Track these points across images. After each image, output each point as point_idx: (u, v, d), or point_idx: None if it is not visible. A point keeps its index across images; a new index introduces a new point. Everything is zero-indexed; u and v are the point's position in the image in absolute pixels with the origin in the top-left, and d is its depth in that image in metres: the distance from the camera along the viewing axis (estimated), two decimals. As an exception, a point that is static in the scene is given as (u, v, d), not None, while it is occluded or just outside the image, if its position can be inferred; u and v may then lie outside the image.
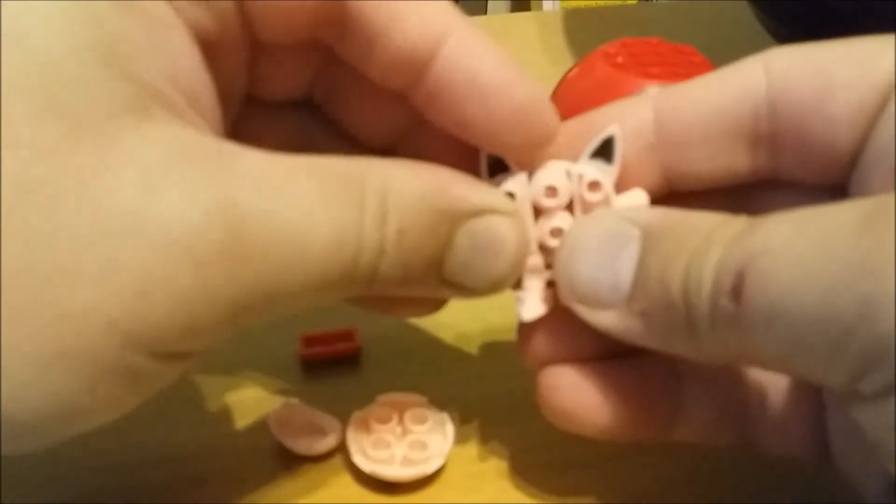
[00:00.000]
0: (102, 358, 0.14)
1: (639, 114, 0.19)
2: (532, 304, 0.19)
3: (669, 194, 0.19)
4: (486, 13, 1.40)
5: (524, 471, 0.22)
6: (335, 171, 0.16)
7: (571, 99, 0.30)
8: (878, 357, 0.13)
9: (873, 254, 0.13)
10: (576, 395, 0.19)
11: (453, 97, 0.18)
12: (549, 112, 0.18)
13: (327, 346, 0.25)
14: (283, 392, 0.23)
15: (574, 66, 0.31)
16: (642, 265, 0.17)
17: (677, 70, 0.28)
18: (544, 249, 0.19)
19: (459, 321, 0.22)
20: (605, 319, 0.17)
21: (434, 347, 0.23)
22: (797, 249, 0.14)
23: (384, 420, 0.22)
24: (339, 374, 0.25)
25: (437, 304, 0.20)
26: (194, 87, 0.16)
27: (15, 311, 0.13)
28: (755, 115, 0.18)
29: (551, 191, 0.18)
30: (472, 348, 0.25)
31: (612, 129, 0.18)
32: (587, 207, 0.19)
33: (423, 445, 0.21)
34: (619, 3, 0.53)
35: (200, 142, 0.15)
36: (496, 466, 0.22)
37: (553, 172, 0.18)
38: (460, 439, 0.22)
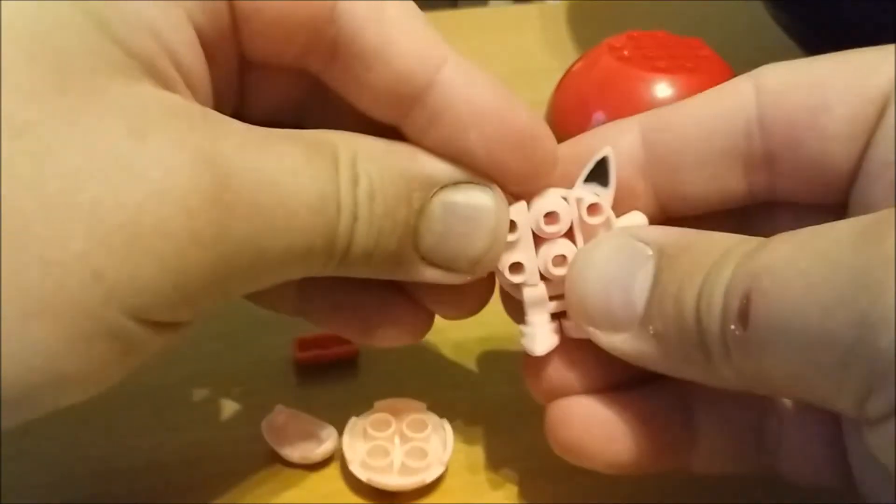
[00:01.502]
0: (85, 313, 0.13)
1: (627, 137, 0.18)
2: (543, 337, 0.19)
3: (664, 220, 0.19)
4: (486, 5, 1.39)
5: (525, 479, 0.21)
6: (310, 138, 0.16)
7: (576, 93, 0.29)
8: (880, 377, 0.13)
9: (871, 268, 0.13)
10: (586, 428, 0.18)
11: (451, 126, 0.17)
12: (550, 138, 0.18)
13: (324, 350, 0.24)
14: (277, 397, 0.23)
15: (578, 59, 0.30)
16: (657, 285, 0.16)
17: (684, 63, 0.28)
18: (547, 280, 0.19)
19: (460, 325, 0.22)
20: (619, 342, 0.17)
21: (433, 352, 0.23)
22: (798, 267, 0.14)
23: (382, 427, 0.21)
24: (335, 379, 0.24)
25: (424, 325, 0.20)
26: (190, 65, 0.16)
27: None
28: (747, 134, 0.18)
29: (551, 217, 0.18)
30: (473, 353, 0.25)
31: (604, 151, 0.18)
32: (588, 232, 0.18)
33: (422, 453, 0.21)
34: (623, -5, 0.52)
35: (186, 104, 0.15)
36: (497, 475, 0.22)
37: (551, 199, 0.18)
38: (460, 447, 0.22)
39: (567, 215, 0.18)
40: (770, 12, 0.37)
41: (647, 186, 0.18)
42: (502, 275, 0.18)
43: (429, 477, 0.20)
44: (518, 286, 0.18)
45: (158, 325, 0.15)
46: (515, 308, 0.19)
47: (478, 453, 0.22)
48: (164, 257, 0.14)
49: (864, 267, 0.13)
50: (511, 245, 0.18)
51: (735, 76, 0.29)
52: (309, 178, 0.15)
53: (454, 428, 0.22)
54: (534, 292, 0.18)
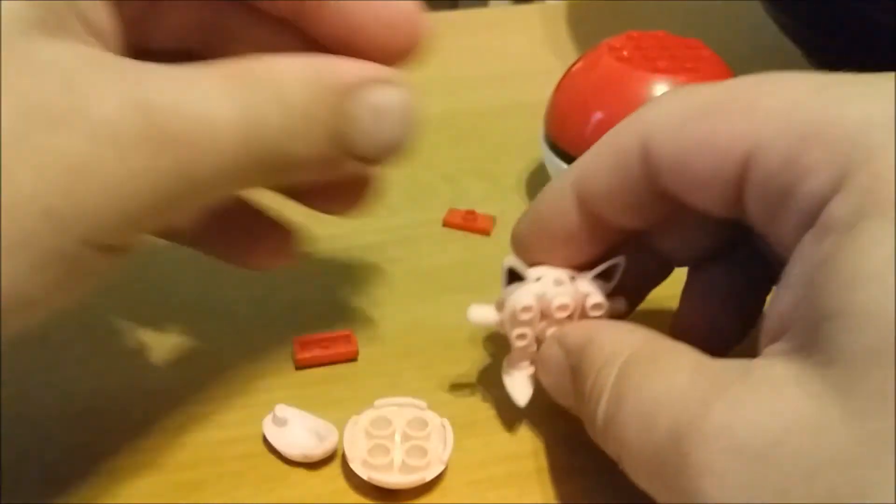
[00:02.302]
0: (40, 245, 0.15)
1: (567, 192, 0.21)
2: (523, 389, 0.22)
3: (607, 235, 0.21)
4: (486, 5, 1.39)
5: (526, 477, 0.21)
6: (226, 67, 0.18)
7: (575, 93, 0.29)
8: None
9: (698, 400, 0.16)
10: None
11: (342, 12, 0.20)
12: (424, 18, 0.21)
13: (324, 350, 0.24)
14: (277, 397, 0.23)
15: (578, 59, 0.30)
16: (575, 372, 0.20)
17: (684, 64, 0.28)
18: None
19: (460, 323, 0.22)
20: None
21: (433, 351, 0.23)
22: (641, 395, 0.18)
23: (382, 426, 0.21)
24: (335, 379, 0.24)
25: (361, 196, 0.22)
26: (97, 19, 0.17)
27: None
28: (640, 187, 0.20)
29: (563, 308, 0.21)
30: (473, 352, 0.25)
31: (618, 259, 0.21)
32: (584, 319, 0.22)
33: (422, 452, 0.21)
34: (623, -5, 0.52)
35: (104, 54, 0.17)
36: (497, 473, 0.21)
37: (567, 290, 0.21)
38: (460, 445, 0.21)
39: (573, 306, 0.21)
40: (769, 13, 0.37)
41: (584, 217, 0.21)
42: (510, 337, 0.21)
43: (429, 475, 0.20)
44: (518, 347, 0.22)
45: (107, 248, 0.16)
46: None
47: (478, 452, 0.22)
48: (104, 191, 0.15)
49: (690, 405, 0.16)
50: (524, 322, 0.21)
51: (734, 76, 0.29)
52: (229, 102, 0.17)
53: (454, 427, 0.22)
54: (525, 354, 0.22)
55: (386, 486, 0.20)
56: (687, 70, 0.27)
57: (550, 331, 0.21)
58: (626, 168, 0.19)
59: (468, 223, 0.30)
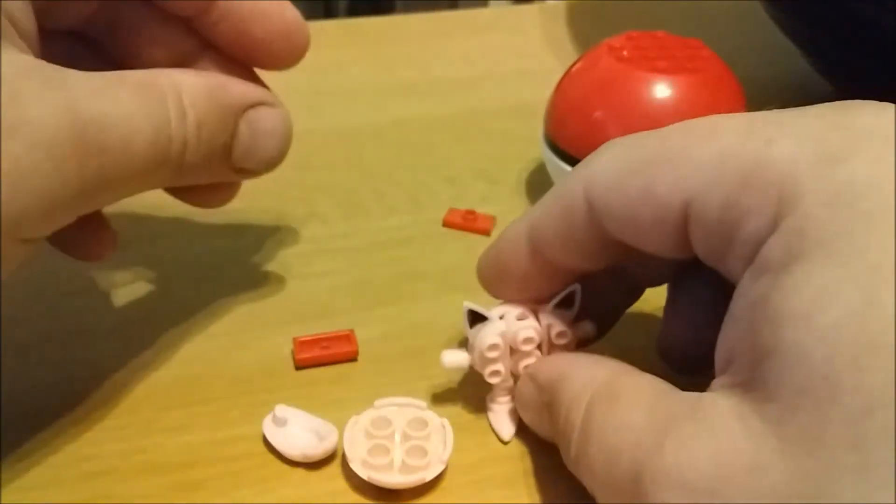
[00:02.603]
0: None
1: (522, 238, 0.22)
2: (506, 422, 0.23)
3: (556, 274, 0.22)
4: (486, 6, 1.39)
5: (526, 477, 0.21)
6: (138, 80, 0.20)
7: (575, 93, 0.29)
8: None
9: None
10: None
11: (238, 20, 0.22)
12: (306, 29, 0.24)
13: (324, 350, 0.24)
14: (278, 397, 0.23)
15: (578, 59, 0.30)
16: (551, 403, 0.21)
17: (684, 64, 0.28)
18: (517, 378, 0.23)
19: (460, 323, 0.22)
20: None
21: (433, 351, 0.23)
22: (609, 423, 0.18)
23: (382, 426, 0.21)
24: (335, 379, 0.24)
25: (229, 195, 0.25)
26: (24, 21, 0.19)
27: None
28: (588, 235, 0.20)
29: (528, 341, 0.22)
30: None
31: (574, 287, 0.22)
32: (553, 349, 0.22)
33: (422, 451, 0.21)
34: (623, -5, 0.52)
35: (38, 63, 0.18)
36: (497, 473, 0.22)
37: (530, 324, 0.22)
38: (460, 445, 0.21)
39: (538, 337, 0.22)
40: (768, 12, 0.37)
41: (538, 261, 0.21)
42: (484, 375, 0.22)
43: (429, 475, 0.20)
44: (494, 383, 0.22)
45: (26, 241, 0.18)
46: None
47: (477, 452, 0.22)
48: (37, 195, 0.17)
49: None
50: (492, 360, 0.22)
51: (734, 77, 0.29)
52: (145, 119, 0.19)
53: (454, 427, 0.22)
54: (505, 389, 0.23)
55: (386, 486, 0.20)
56: (687, 70, 0.27)
57: (524, 363, 0.22)
58: (573, 217, 0.20)
59: (468, 223, 0.30)
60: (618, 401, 0.18)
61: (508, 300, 0.22)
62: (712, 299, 0.20)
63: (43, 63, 0.18)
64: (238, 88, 0.22)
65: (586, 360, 0.21)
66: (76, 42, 0.24)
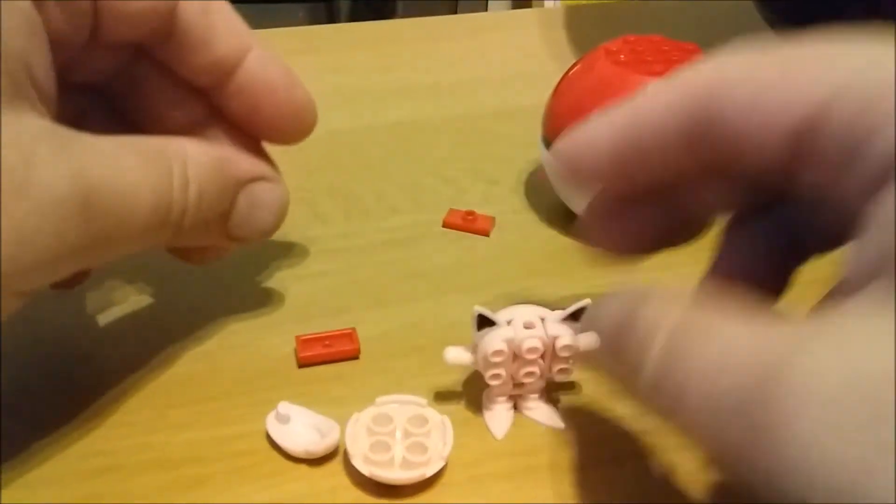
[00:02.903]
0: None
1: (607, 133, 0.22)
2: (501, 422, 0.23)
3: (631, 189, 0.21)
4: (486, 10, 1.39)
5: (525, 474, 0.22)
6: (146, 148, 0.20)
7: (573, 96, 0.29)
8: None
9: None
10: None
11: (251, 94, 0.23)
12: (314, 108, 0.24)
13: (326, 349, 0.25)
14: (280, 394, 0.23)
15: (575, 63, 0.31)
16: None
17: (680, 68, 0.28)
18: (517, 384, 0.23)
19: (460, 322, 0.22)
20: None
21: (434, 349, 0.23)
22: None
23: (384, 423, 0.22)
24: (337, 377, 0.24)
25: (219, 256, 0.26)
26: (44, 80, 0.19)
27: None
28: (696, 123, 0.19)
29: (532, 350, 0.22)
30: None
31: (584, 302, 0.22)
32: (557, 360, 0.23)
33: (422, 448, 0.21)
34: (621, 0, 0.52)
35: (55, 128, 0.19)
36: (497, 469, 0.22)
37: (536, 334, 0.22)
38: (460, 442, 0.22)
39: (543, 348, 0.22)
40: (763, 16, 0.38)
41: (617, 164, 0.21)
42: (485, 377, 0.22)
43: (429, 471, 0.21)
44: (494, 385, 0.23)
45: (22, 294, 0.19)
46: None
47: (477, 449, 0.22)
48: (40, 252, 0.18)
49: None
50: (496, 364, 0.22)
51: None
52: (148, 188, 0.20)
53: (454, 424, 0.22)
54: (503, 391, 0.23)
55: (387, 481, 0.21)
56: (683, 73, 0.28)
57: (524, 370, 0.22)
58: (688, 106, 0.19)
59: (468, 224, 0.31)
60: (714, 318, 0.17)
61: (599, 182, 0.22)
62: (767, 247, 0.20)
63: (58, 127, 0.19)
64: (242, 164, 0.23)
65: (668, 287, 0.19)
66: (95, 96, 0.24)
